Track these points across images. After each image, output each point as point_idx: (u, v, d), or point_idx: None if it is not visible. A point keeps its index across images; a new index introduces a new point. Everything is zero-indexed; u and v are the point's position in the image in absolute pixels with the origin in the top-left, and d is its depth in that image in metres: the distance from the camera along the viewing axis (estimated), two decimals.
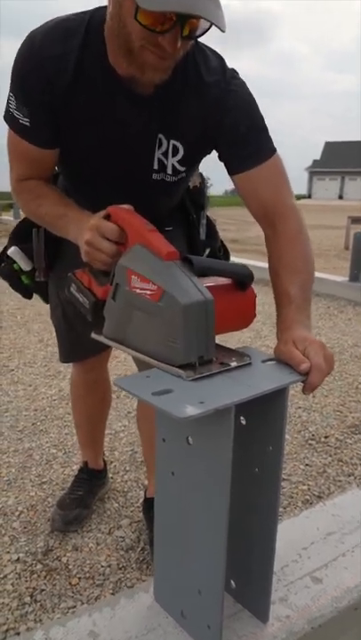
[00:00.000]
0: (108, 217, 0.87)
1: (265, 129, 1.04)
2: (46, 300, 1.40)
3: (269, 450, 0.77)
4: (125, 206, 0.87)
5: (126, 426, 2.17)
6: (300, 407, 2.37)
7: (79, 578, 1.30)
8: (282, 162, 1.06)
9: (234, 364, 0.75)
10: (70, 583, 1.29)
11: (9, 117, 1.00)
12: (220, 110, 1.00)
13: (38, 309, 3.88)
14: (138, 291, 0.76)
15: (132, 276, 0.77)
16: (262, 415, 0.77)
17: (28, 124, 0.97)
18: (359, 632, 0.93)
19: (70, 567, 1.34)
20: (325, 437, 2.10)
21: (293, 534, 1.06)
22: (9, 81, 0.98)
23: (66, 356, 1.47)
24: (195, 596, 0.78)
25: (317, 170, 52.50)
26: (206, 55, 1.01)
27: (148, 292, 0.74)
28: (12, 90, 0.98)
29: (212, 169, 1.33)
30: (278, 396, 0.74)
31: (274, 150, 1.04)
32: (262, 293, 1.04)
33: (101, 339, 0.86)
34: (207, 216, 1.35)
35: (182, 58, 0.92)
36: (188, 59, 0.97)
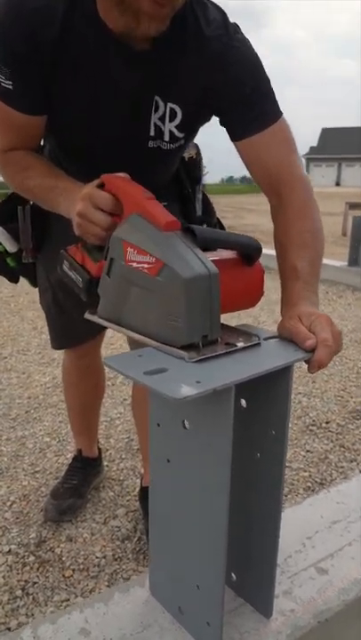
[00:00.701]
0: (101, 186, 0.80)
1: (270, 91, 0.96)
2: (34, 284, 1.33)
3: (272, 434, 0.71)
4: (120, 174, 0.79)
5: (122, 413, 2.11)
6: (300, 392, 2.32)
7: (73, 570, 1.25)
8: (289, 127, 0.98)
9: (241, 344, 0.69)
10: (64, 575, 1.24)
11: None
12: (222, 69, 0.92)
13: (32, 297, 3.81)
14: (134, 265, 0.69)
15: (128, 249, 0.70)
16: (264, 397, 0.71)
17: (10, 87, 0.89)
18: None
19: (64, 559, 1.29)
20: (326, 423, 2.06)
21: (297, 523, 1.01)
22: None
23: (58, 342, 1.41)
24: (193, 591, 0.73)
25: (314, 156, 52.12)
26: (206, 6, 0.92)
27: (146, 266, 0.68)
28: None
29: (209, 159, 1.27)
30: (282, 375, 0.68)
31: (280, 114, 0.96)
32: None
33: (95, 319, 0.80)
34: (203, 191, 1.27)
35: (180, 9, 0.83)
36: (187, 10, 0.88)
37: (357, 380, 2.49)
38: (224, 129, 1.00)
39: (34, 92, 0.90)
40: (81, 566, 1.27)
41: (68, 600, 1.16)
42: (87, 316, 0.82)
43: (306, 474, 1.70)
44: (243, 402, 0.75)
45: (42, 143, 1.11)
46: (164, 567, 0.78)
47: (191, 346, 0.66)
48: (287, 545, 0.94)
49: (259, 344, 0.70)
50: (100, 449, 1.66)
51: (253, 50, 0.95)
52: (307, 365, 0.69)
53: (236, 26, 0.94)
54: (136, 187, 0.77)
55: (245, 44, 0.94)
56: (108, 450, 1.83)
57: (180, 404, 0.54)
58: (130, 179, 0.79)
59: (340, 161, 46.49)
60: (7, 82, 0.88)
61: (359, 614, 0.85)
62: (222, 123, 0.99)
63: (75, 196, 0.83)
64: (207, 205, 1.28)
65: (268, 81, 0.96)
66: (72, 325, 1.33)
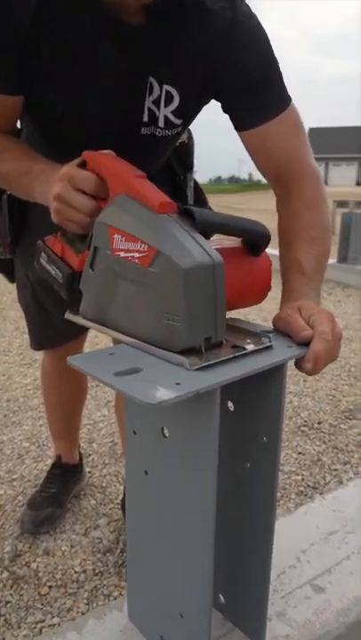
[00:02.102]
0: (83, 165, 0.70)
1: (279, 74, 0.86)
2: (12, 280, 1.24)
3: (263, 441, 0.63)
4: (105, 151, 0.69)
5: (106, 415, 2.02)
6: (291, 392, 2.25)
7: (50, 587, 1.16)
8: (298, 114, 0.88)
9: (250, 346, 0.59)
10: (39, 593, 1.15)
11: None
12: (227, 47, 0.81)
13: (15, 296, 3.70)
14: (122, 254, 0.59)
15: (115, 236, 0.60)
16: (255, 398, 0.63)
17: None
18: None
19: (40, 574, 1.20)
20: (319, 423, 1.98)
21: (290, 535, 0.93)
22: None
23: (37, 343, 1.32)
24: (176, 620, 0.64)
25: None
26: None
27: (137, 255, 0.57)
28: None
29: (196, 156, 1.17)
30: (274, 374, 0.60)
31: (289, 100, 0.86)
32: None
33: (77, 319, 0.69)
34: (194, 179, 1.19)
35: None
36: None
37: (349, 379, 2.42)
38: (221, 118, 0.91)
39: (8, 69, 0.79)
40: (58, 582, 1.18)
41: (44, 621, 1.07)
42: (68, 316, 0.71)
43: (298, 477, 1.63)
44: (230, 405, 0.67)
45: (19, 126, 1.01)
46: (144, 592, 0.70)
47: (192, 350, 0.56)
48: (280, 560, 0.86)
49: (271, 347, 0.60)
50: (81, 454, 1.56)
51: (260, 24, 0.84)
52: (300, 364, 0.61)
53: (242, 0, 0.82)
54: (124, 164, 0.67)
55: (252, 18, 0.83)
56: (90, 455, 1.74)
57: (155, 409, 0.46)
58: (115, 155, 0.69)
59: (327, 160, 46.74)
60: None
61: None
62: (225, 110, 0.90)
63: (52, 179, 0.72)
64: (199, 194, 1.20)
65: (277, 62, 0.85)
66: (53, 325, 1.24)
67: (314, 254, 0.77)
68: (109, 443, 1.83)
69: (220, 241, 0.69)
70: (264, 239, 0.68)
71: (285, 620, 0.75)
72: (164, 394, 0.47)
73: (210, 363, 0.54)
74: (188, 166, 1.14)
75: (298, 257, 0.76)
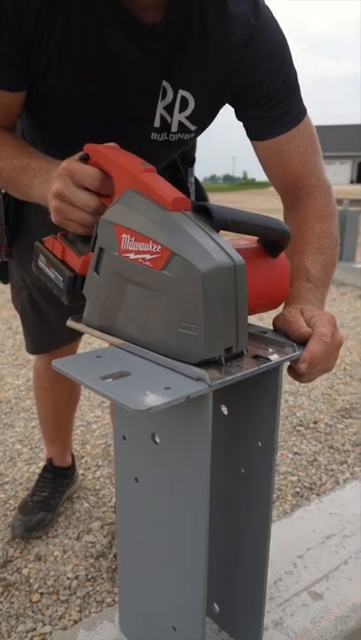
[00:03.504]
0: (85, 159, 0.64)
1: (297, 84, 0.83)
2: (5, 281, 1.20)
3: (258, 446, 0.61)
4: (109, 144, 0.64)
5: (99, 417, 2.00)
6: (286, 391, 2.23)
7: (41, 593, 1.13)
8: (313, 125, 0.86)
9: (274, 357, 0.55)
10: (31, 600, 1.12)
11: None
12: (250, 56, 0.77)
13: (8, 296, 3.66)
14: (132, 256, 0.54)
15: (123, 236, 0.55)
16: (249, 401, 0.61)
17: None
18: None
19: (31, 581, 1.17)
20: (314, 423, 1.96)
21: (287, 540, 0.91)
22: None
23: (35, 347, 1.28)
24: (169, 633, 0.62)
25: None
26: None
27: (148, 257, 0.52)
28: None
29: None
30: (269, 377, 0.57)
31: (305, 111, 0.84)
32: None
33: (81, 327, 0.63)
34: (194, 175, 1.16)
35: None
36: None
37: (345, 378, 2.40)
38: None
39: (11, 64, 0.73)
40: (50, 589, 1.15)
41: (35, 629, 1.04)
42: (70, 323, 0.65)
43: (294, 478, 1.60)
44: (224, 408, 0.64)
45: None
46: (136, 603, 0.67)
47: (210, 362, 0.51)
48: (277, 566, 0.84)
49: (298, 357, 0.56)
50: (73, 456, 1.53)
51: (281, 31, 0.80)
52: (293, 366, 0.58)
53: (262, 1, 0.78)
54: (130, 156, 0.61)
55: (274, 24, 0.79)
56: (83, 457, 1.71)
57: (143, 416, 0.43)
58: (120, 148, 0.64)
59: None
60: None
61: None
62: (240, 118, 0.86)
63: (52, 176, 0.67)
64: (200, 191, 1.17)
65: (295, 72, 0.82)
66: (50, 329, 1.21)
67: (321, 263, 0.75)
68: (103, 444, 1.80)
69: (235, 240, 0.64)
70: (285, 238, 0.63)
71: (282, 628, 0.73)
72: (152, 399, 0.44)
73: (233, 377, 0.50)
74: (191, 161, 1.11)
75: (305, 264, 0.74)
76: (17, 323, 3.12)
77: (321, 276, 0.74)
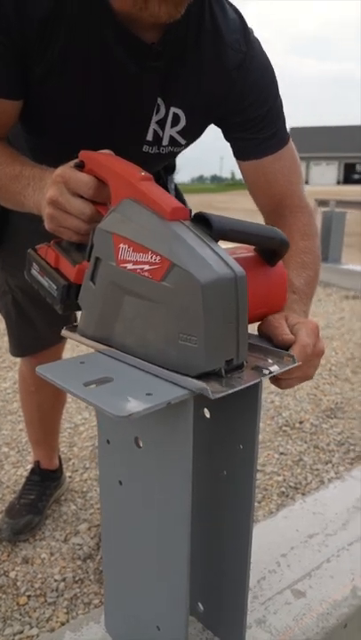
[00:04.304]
0: (79, 167, 0.64)
1: (282, 108, 0.87)
2: None
3: (240, 448, 0.62)
4: (104, 151, 0.64)
5: (87, 419, 2.00)
6: (272, 391, 2.25)
7: (28, 596, 1.14)
8: (295, 151, 0.90)
9: (274, 367, 0.55)
10: (18, 603, 1.12)
11: None
12: (240, 81, 0.81)
13: None
14: (130, 266, 0.53)
15: (121, 245, 0.54)
16: (231, 406, 0.62)
17: None
18: None
19: (19, 584, 1.17)
20: (300, 423, 1.99)
21: (270, 539, 0.92)
22: None
23: (19, 350, 1.29)
24: (153, 633, 0.63)
25: None
26: (224, 6, 0.80)
27: (147, 268, 0.52)
28: None
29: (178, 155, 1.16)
30: None
31: (289, 136, 0.89)
32: None
33: (76, 337, 0.63)
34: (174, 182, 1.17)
35: (198, 3, 0.72)
36: (205, 6, 0.76)
37: (330, 378, 2.43)
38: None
39: (10, 73, 0.74)
40: (37, 592, 1.15)
41: (22, 632, 1.04)
42: (65, 333, 0.64)
43: (280, 478, 1.62)
44: (206, 412, 0.66)
45: None
46: (121, 604, 0.69)
47: (210, 374, 0.51)
48: (260, 565, 0.86)
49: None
50: (60, 459, 1.54)
51: (267, 57, 0.85)
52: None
53: (251, 29, 0.83)
54: (127, 164, 0.60)
55: (262, 52, 0.84)
56: (70, 459, 1.71)
57: (125, 422, 0.44)
58: (116, 155, 0.63)
59: (307, 160, 47.12)
60: None
61: None
62: (228, 139, 0.90)
63: (46, 183, 0.66)
64: (180, 197, 1.18)
65: (280, 96, 0.87)
66: (35, 332, 1.22)
67: (305, 277, 0.78)
68: (90, 446, 1.80)
69: (233, 249, 0.64)
70: (283, 247, 0.63)
71: (265, 626, 0.74)
72: (133, 405, 0.45)
73: (235, 390, 0.50)
74: (172, 169, 1.13)
75: (290, 277, 0.75)
76: (2, 325, 3.11)
77: (305, 290, 0.76)
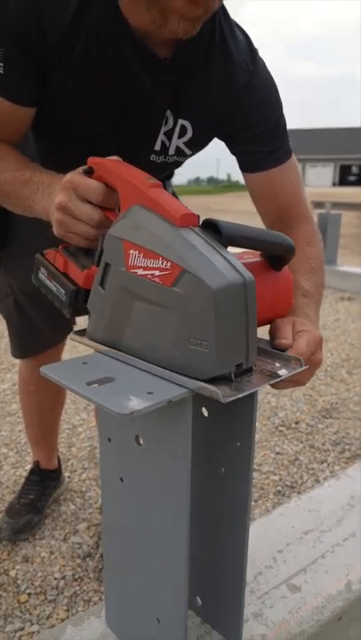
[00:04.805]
0: (88, 173, 0.65)
1: (285, 123, 0.91)
2: None
3: (237, 446, 0.64)
4: (112, 157, 0.64)
5: (85, 420, 2.02)
6: (268, 392, 2.27)
7: (29, 594, 1.16)
8: (297, 163, 0.95)
9: (283, 371, 0.56)
10: (19, 601, 1.14)
11: None
12: (248, 99, 0.85)
13: None
14: (140, 272, 0.54)
15: (131, 252, 0.55)
16: (228, 405, 0.64)
17: (1, 70, 0.74)
18: None
19: (19, 582, 1.19)
20: (296, 423, 2.01)
21: (267, 536, 0.94)
22: None
23: (21, 351, 1.30)
24: (153, 625, 0.65)
25: None
26: (233, 27, 0.84)
27: (157, 274, 0.52)
28: None
29: None
30: None
31: (291, 150, 0.93)
32: None
33: (85, 341, 0.63)
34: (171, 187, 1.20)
35: (210, 23, 0.75)
36: (216, 26, 0.80)
37: (326, 379, 2.46)
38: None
39: (28, 80, 0.75)
40: (38, 589, 1.17)
41: (23, 629, 1.06)
42: (73, 337, 0.65)
43: (276, 477, 1.65)
44: (204, 410, 0.68)
45: None
46: (121, 599, 0.70)
47: (220, 378, 0.52)
48: (257, 560, 0.88)
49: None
50: (59, 459, 1.56)
51: (271, 75, 0.89)
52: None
53: (256, 49, 0.87)
54: (136, 171, 0.61)
55: (266, 70, 0.88)
56: (69, 459, 1.73)
57: (127, 419, 0.47)
58: (124, 162, 0.64)
59: (304, 162, 47.29)
60: None
61: (335, 635, 0.80)
62: (234, 152, 0.93)
63: (55, 189, 0.67)
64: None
65: (285, 118, 0.92)
66: (36, 333, 1.24)
67: (313, 282, 0.80)
68: (88, 447, 1.82)
69: (239, 255, 0.64)
70: (291, 252, 0.64)
71: (262, 620, 0.76)
72: (135, 403, 0.47)
73: (245, 394, 0.51)
74: (170, 175, 1.16)
75: (300, 281, 0.78)
76: (1, 327, 3.12)
77: (314, 293, 0.79)
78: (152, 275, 0.53)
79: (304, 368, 0.59)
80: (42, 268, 0.72)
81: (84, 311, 0.65)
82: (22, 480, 1.53)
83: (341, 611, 0.80)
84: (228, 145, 0.94)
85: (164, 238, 0.53)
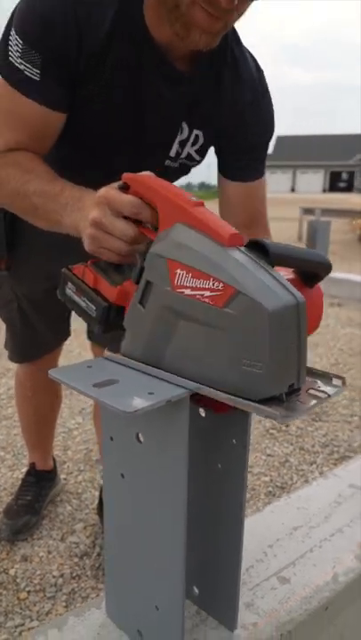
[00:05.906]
0: (124, 189, 0.64)
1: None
2: None
3: (233, 443, 0.69)
4: (145, 173, 0.64)
5: (80, 423, 2.05)
6: None
7: (28, 592, 1.19)
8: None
9: (328, 389, 0.56)
10: (18, 598, 1.17)
11: (6, 67, 0.77)
12: (249, 114, 0.95)
13: None
14: (188, 292, 0.53)
15: (178, 271, 0.54)
16: (225, 403, 0.69)
17: (37, 77, 0.77)
18: (333, 633, 0.87)
19: (18, 580, 1.23)
20: (286, 426, 2.06)
21: (258, 532, 0.99)
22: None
23: (20, 356, 1.34)
24: (152, 613, 0.69)
25: (270, 163, 53.22)
26: (243, 49, 0.93)
27: (208, 294, 0.52)
28: (18, 31, 0.76)
29: None
30: None
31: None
32: None
33: (121, 359, 0.63)
34: None
35: (223, 43, 0.83)
36: (228, 47, 0.89)
37: None
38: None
39: (61, 88, 0.80)
40: (37, 587, 1.21)
41: (23, 625, 1.10)
42: (108, 355, 0.65)
43: (267, 478, 1.69)
44: (201, 410, 0.72)
45: None
46: (121, 588, 0.75)
47: (272, 398, 0.51)
48: (248, 555, 0.92)
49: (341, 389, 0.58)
50: (54, 460, 1.59)
51: (270, 96, 0.99)
52: None
53: (262, 70, 0.97)
54: (177, 189, 0.59)
55: (268, 92, 0.97)
56: (65, 462, 1.77)
57: (131, 417, 0.51)
58: (158, 177, 0.64)
59: (294, 168, 47.69)
60: (34, 70, 0.77)
61: (322, 623, 0.84)
62: (222, 159, 1.02)
63: (85, 204, 0.68)
64: None
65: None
66: (37, 338, 1.28)
67: None
68: (84, 450, 1.86)
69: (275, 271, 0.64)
70: (326, 271, 0.63)
71: (253, 609, 0.81)
72: (138, 403, 0.52)
73: (300, 413, 0.52)
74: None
75: None
76: None
77: None
78: (201, 295, 0.52)
79: (344, 386, 0.58)
80: (69, 283, 0.71)
81: (115, 327, 0.65)
82: (19, 482, 1.56)
83: (328, 601, 0.84)
84: (219, 152, 1.02)
85: (214, 258, 0.52)
